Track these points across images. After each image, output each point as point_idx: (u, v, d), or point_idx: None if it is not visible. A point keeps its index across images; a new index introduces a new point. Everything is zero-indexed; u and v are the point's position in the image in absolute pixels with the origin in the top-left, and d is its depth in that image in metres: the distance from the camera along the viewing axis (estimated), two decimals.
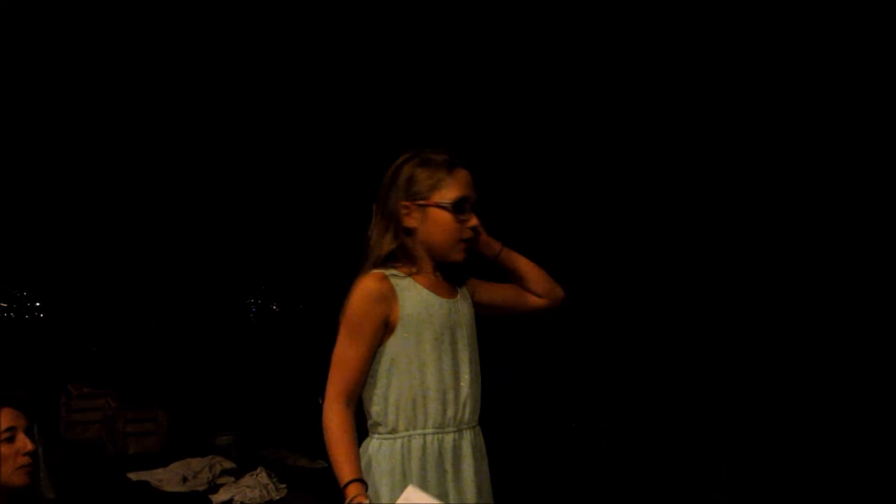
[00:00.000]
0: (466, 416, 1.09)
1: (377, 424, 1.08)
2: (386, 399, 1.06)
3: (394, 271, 1.10)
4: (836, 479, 1.78)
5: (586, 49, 2.11)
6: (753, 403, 2.00)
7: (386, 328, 1.06)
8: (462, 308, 1.14)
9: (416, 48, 2.29)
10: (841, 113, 1.81)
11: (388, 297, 1.07)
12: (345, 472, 1.00)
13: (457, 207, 1.09)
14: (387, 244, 1.10)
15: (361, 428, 1.10)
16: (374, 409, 1.07)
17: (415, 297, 1.08)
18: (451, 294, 1.15)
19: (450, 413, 1.07)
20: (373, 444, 1.08)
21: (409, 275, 1.10)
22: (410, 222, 1.11)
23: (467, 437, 1.09)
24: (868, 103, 1.77)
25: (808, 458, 1.85)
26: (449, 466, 1.05)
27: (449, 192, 1.10)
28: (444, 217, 1.10)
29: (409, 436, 1.05)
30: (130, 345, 3.63)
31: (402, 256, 1.11)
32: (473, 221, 1.11)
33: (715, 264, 2.09)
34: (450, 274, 1.16)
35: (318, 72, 2.51)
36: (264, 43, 2.39)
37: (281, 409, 3.48)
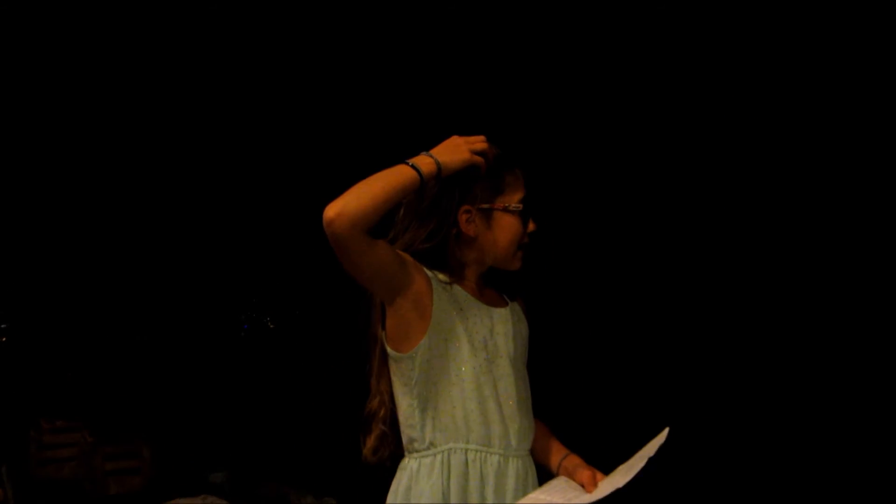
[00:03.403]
0: (513, 440, 1.05)
1: (413, 441, 1.05)
2: (423, 410, 1.04)
3: (434, 273, 1.08)
4: (836, 480, 1.89)
5: (588, 48, 2.19)
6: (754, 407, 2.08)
7: (415, 303, 1.01)
8: (509, 320, 1.12)
9: (418, 49, 2.32)
10: (841, 113, 1.93)
11: (424, 275, 1.04)
12: (393, 167, 0.97)
13: (525, 211, 1.08)
14: (419, 243, 1.05)
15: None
16: (410, 423, 1.05)
17: (451, 296, 1.05)
18: (497, 303, 1.13)
19: (495, 430, 1.03)
20: (410, 464, 1.05)
21: (451, 282, 1.07)
22: (471, 229, 1.07)
23: (514, 464, 1.04)
24: (868, 103, 1.89)
25: (807, 461, 1.96)
26: (490, 493, 1.02)
27: (516, 194, 1.08)
28: (513, 223, 1.08)
29: (450, 450, 1.02)
30: (109, 370, 3.54)
31: (439, 264, 1.07)
32: (533, 226, 1.11)
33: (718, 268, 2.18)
34: (498, 284, 1.15)
35: (309, 74, 2.53)
36: (251, 42, 2.42)
37: (281, 440, 3.46)
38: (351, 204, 0.91)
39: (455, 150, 1.01)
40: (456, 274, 1.08)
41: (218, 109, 2.78)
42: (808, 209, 2.02)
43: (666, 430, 0.97)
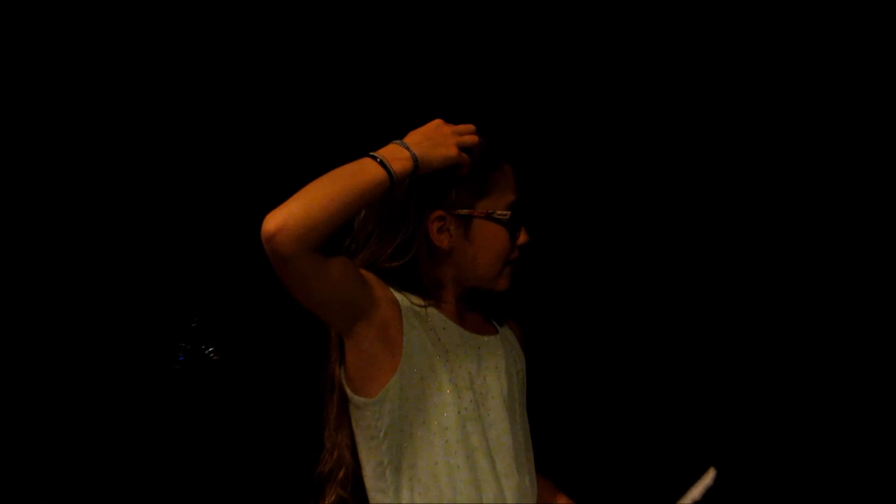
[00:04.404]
0: (510, 502, 1.00)
1: None
2: (396, 470, 0.98)
3: (405, 295, 1.03)
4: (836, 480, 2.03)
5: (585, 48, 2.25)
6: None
7: (381, 335, 0.94)
8: (501, 350, 1.08)
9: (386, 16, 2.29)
10: (841, 113, 2.08)
11: (392, 299, 0.98)
12: (355, 163, 0.89)
13: (514, 219, 1.01)
14: (386, 261, 1.00)
15: None
16: (380, 486, 0.98)
17: (426, 324, 0.99)
18: (484, 330, 1.09)
19: (488, 491, 0.98)
20: None
21: (426, 306, 1.02)
22: (444, 240, 1.01)
23: None
24: (868, 103, 2.04)
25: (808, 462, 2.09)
26: None
27: (503, 198, 1.02)
28: (498, 234, 1.02)
29: None
30: (6, 417, 3.42)
31: (411, 285, 1.01)
32: (524, 238, 1.05)
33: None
34: (486, 304, 1.10)
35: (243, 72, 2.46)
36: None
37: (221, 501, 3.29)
38: (297, 214, 0.83)
39: (439, 143, 0.93)
40: (432, 295, 1.03)
41: (141, 93, 2.65)
42: (807, 213, 2.15)
43: (712, 472, 0.97)
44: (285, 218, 0.83)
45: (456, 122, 1.02)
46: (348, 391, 1.01)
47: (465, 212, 1.00)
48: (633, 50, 2.22)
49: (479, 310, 1.12)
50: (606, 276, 2.37)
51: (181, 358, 3.65)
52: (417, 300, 1.03)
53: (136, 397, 3.43)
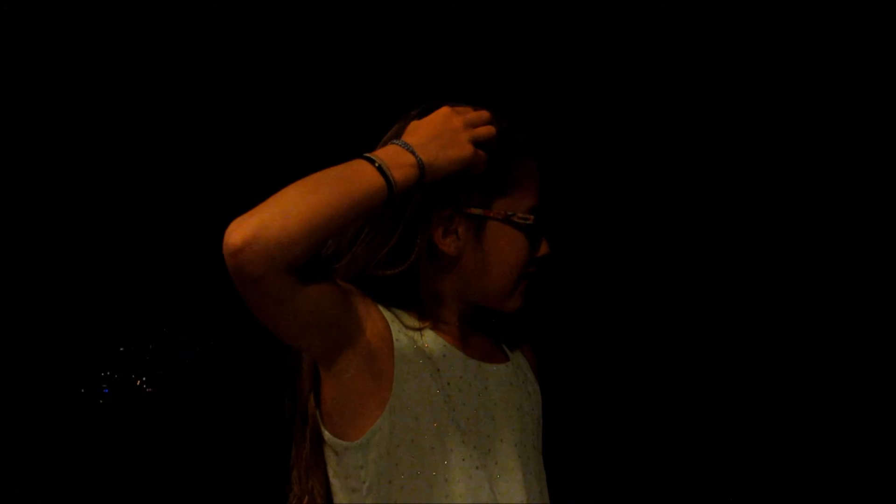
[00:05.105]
0: None
1: None
2: None
3: (396, 314, 0.96)
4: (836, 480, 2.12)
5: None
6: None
7: (366, 364, 0.90)
8: (513, 382, 1.03)
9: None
10: (841, 113, 2.20)
11: (381, 320, 0.93)
12: (346, 165, 0.85)
13: (536, 225, 0.97)
14: (378, 268, 0.94)
15: None
16: None
17: (422, 351, 0.94)
18: (493, 357, 1.03)
19: None
20: None
21: (422, 328, 0.96)
22: (451, 244, 0.95)
23: None
24: (868, 103, 2.16)
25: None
26: None
27: (525, 199, 0.97)
28: (516, 240, 0.97)
29: None
30: None
31: (404, 300, 0.96)
32: (545, 249, 1.01)
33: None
34: (489, 326, 1.04)
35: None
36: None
37: None
38: (272, 226, 0.77)
39: (449, 142, 0.88)
40: (430, 314, 0.97)
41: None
42: (841, 229, 2.23)
43: None
44: (255, 230, 0.77)
45: (469, 104, 0.94)
46: (325, 431, 0.94)
47: (478, 211, 0.94)
48: (676, 37, 2.31)
49: (485, 332, 1.05)
50: (634, 296, 2.36)
51: (106, 390, 3.56)
52: (411, 321, 0.96)
53: (56, 433, 3.32)
